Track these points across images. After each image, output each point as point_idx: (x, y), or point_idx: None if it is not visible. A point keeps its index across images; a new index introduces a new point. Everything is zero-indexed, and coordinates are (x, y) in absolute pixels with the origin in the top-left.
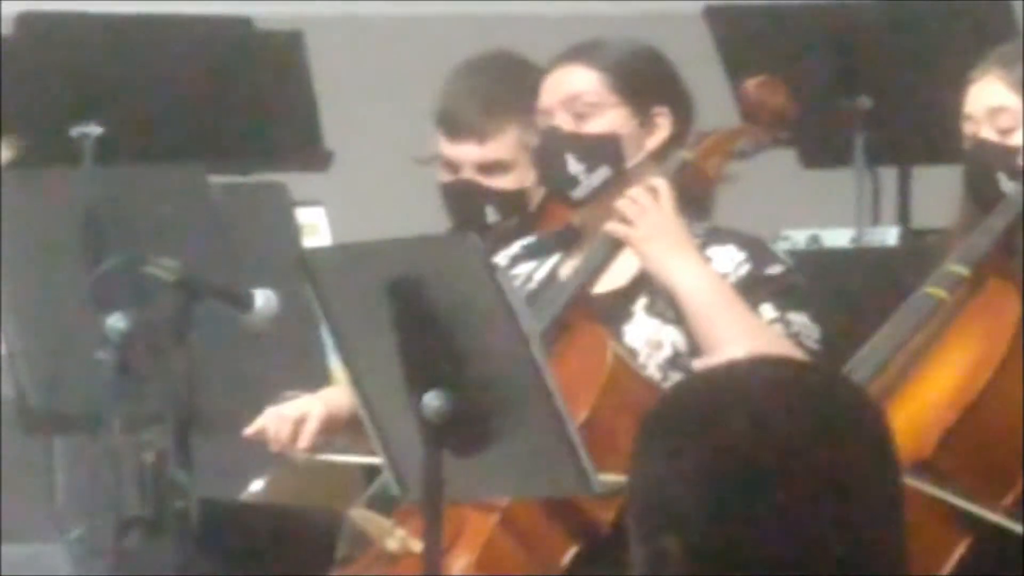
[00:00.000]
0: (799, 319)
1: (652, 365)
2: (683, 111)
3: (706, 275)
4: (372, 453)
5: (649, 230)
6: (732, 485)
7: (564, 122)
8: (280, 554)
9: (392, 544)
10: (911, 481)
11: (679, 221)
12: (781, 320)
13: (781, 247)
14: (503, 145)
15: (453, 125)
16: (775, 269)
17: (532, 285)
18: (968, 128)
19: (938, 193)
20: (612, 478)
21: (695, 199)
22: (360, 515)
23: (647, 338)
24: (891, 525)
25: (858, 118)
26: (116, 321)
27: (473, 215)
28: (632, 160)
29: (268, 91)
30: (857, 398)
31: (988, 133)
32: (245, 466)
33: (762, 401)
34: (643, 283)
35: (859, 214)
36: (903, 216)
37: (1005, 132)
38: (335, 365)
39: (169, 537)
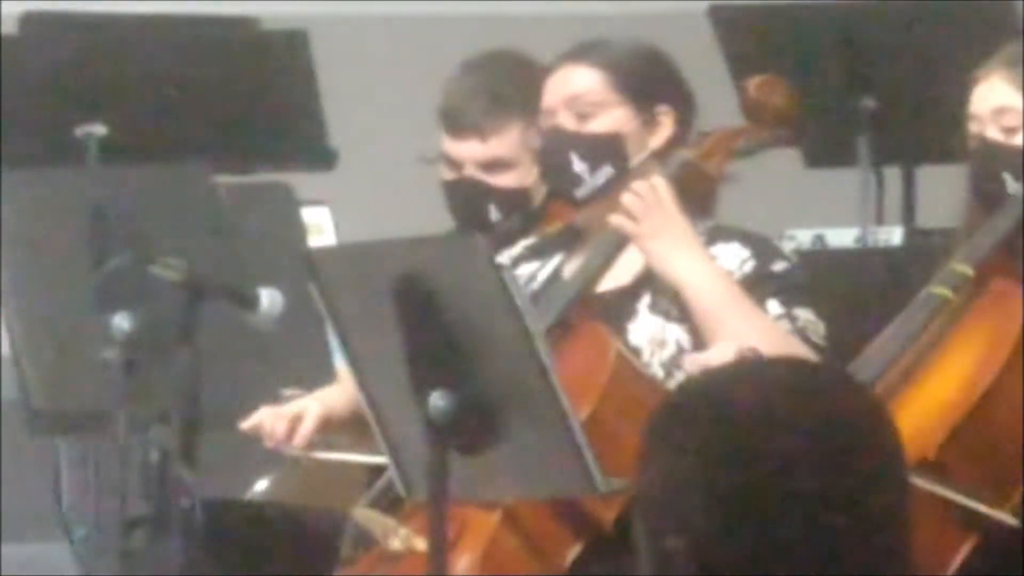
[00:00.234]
0: (805, 315)
1: (656, 363)
2: (686, 110)
3: (712, 271)
4: (376, 452)
5: (654, 226)
6: (738, 485)
7: (567, 121)
8: (284, 553)
9: (396, 543)
10: (916, 480)
11: (683, 217)
12: (787, 316)
13: (786, 246)
14: (506, 143)
15: (456, 122)
16: (780, 266)
17: (535, 285)
18: (973, 128)
19: (943, 193)
20: (618, 482)
21: (698, 198)
22: (364, 514)
23: (651, 336)
24: (897, 525)
25: (863, 118)
26: (121, 321)
27: (475, 213)
28: (635, 159)
29: (273, 91)
30: (863, 399)
31: (993, 133)
32: (249, 466)
33: (769, 401)
34: (647, 281)
35: (864, 214)
36: (908, 216)
37: (1010, 132)
38: (340, 365)
39: (174, 537)
